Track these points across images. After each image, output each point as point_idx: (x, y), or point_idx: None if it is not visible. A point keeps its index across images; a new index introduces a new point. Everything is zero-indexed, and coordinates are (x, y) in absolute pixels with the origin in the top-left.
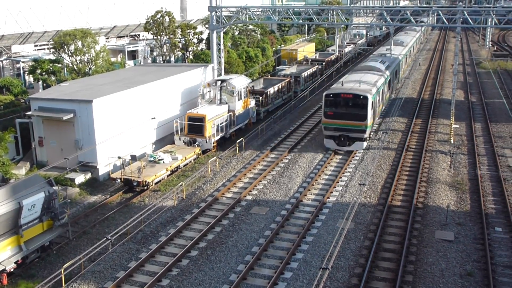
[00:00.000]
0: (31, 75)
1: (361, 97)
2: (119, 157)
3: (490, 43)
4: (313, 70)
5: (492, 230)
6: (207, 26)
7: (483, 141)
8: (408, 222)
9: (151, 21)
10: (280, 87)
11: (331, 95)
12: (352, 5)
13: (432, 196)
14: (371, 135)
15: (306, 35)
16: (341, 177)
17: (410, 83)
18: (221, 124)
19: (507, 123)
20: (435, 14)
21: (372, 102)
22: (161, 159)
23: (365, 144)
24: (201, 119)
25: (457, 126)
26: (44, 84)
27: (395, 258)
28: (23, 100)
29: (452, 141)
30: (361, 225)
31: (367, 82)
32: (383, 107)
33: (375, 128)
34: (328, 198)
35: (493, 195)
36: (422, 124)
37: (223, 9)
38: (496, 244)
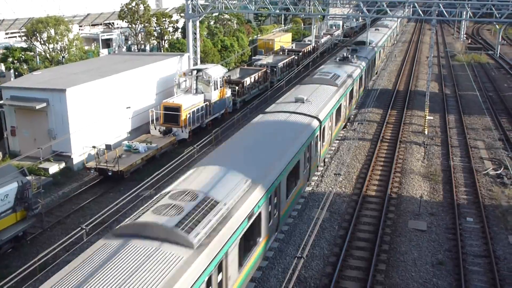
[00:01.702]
0: (2, 64)
1: None
2: (93, 147)
3: (465, 36)
4: (290, 60)
5: (463, 220)
6: (182, 14)
7: (456, 132)
8: (382, 212)
9: (126, 9)
10: (257, 77)
11: None
12: None
13: (406, 186)
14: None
15: (283, 25)
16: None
17: (386, 74)
18: (197, 113)
19: (479, 115)
20: (411, 6)
21: None
22: (137, 149)
23: None
24: (177, 109)
25: (431, 117)
26: (16, 73)
27: (369, 247)
28: None
29: (426, 132)
30: (336, 215)
31: None
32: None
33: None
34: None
35: (465, 186)
36: (397, 115)
37: None
38: (467, 234)
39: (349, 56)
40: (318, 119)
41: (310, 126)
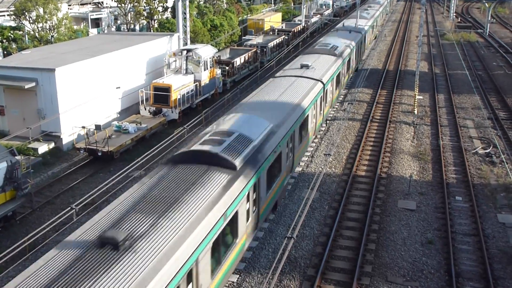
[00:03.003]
0: None
1: None
2: (83, 127)
3: (454, 14)
4: (280, 40)
5: (452, 199)
6: None
7: (445, 112)
8: (372, 192)
9: None
10: (247, 57)
11: None
12: None
13: (395, 166)
14: None
15: (273, 5)
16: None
17: (376, 54)
18: (187, 94)
19: (469, 94)
20: None
21: None
22: (126, 129)
23: None
24: (167, 89)
25: (421, 97)
26: (5, 52)
27: (359, 227)
28: None
29: (415, 112)
30: (326, 195)
31: None
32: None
33: (340, 99)
34: None
35: (454, 165)
36: (386, 95)
37: None
38: (456, 213)
39: None
40: None
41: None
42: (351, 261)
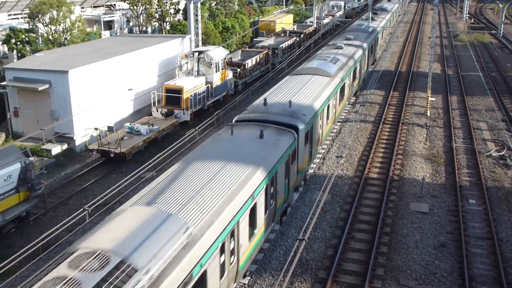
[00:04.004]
0: (5, 45)
1: None
2: (96, 128)
3: (467, 15)
4: (291, 42)
5: (466, 202)
6: None
7: (458, 114)
8: (384, 194)
9: None
10: (258, 59)
11: None
12: None
13: (408, 168)
14: None
15: (284, 7)
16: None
17: (388, 55)
18: (198, 96)
19: (482, 96)
20: None
21: None
22: (139, 131)
23: None
24: (179, 91)
25: (434, 99)
26: (19, 54)
27: (371, 229)
28: None
29: (428, 114)
30: (338, 197)
31: None
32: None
33: (352, 100)
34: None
35: (467, 168)
36: (399, 97)
37: None
38: (470, 216)
39: None
40: None
41: None
42: (363, 264)
